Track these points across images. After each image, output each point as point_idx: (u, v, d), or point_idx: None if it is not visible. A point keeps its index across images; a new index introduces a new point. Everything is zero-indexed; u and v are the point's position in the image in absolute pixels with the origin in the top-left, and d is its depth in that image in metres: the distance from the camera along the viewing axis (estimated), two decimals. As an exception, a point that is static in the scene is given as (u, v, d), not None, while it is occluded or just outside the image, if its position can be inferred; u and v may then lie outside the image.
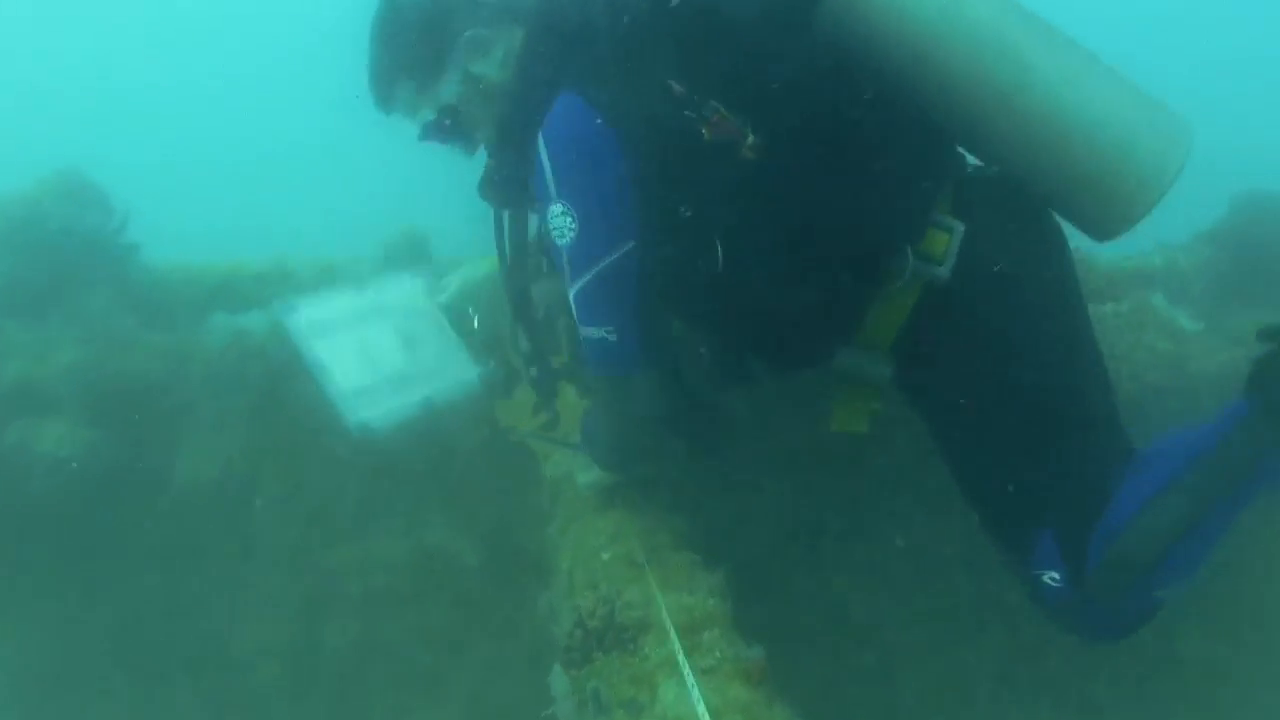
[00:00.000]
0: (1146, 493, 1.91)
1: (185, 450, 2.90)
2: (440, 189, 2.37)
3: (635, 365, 1.93)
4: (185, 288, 3.10)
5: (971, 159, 2.01)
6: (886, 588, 2.72)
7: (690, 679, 1.50)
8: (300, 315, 2.46)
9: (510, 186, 2.09)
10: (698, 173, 1.83)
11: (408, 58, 2.06)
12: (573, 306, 1.92)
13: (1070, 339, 2.01)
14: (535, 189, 1.90)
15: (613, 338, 1.89)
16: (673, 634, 1.62)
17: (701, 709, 1.43)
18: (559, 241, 1.87)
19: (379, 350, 2.40)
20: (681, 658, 1.54)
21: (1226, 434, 1.89)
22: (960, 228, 1.89)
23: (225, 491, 2.89)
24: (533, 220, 2.19)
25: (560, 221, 1.85)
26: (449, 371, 2.40)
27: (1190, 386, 2.57)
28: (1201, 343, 2.60)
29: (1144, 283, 2.76)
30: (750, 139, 1.81)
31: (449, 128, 2.05)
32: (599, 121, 1.82)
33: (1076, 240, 2.06)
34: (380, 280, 2.61)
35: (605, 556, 2.10)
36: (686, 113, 1.81)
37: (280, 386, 2.81)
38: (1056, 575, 1.96)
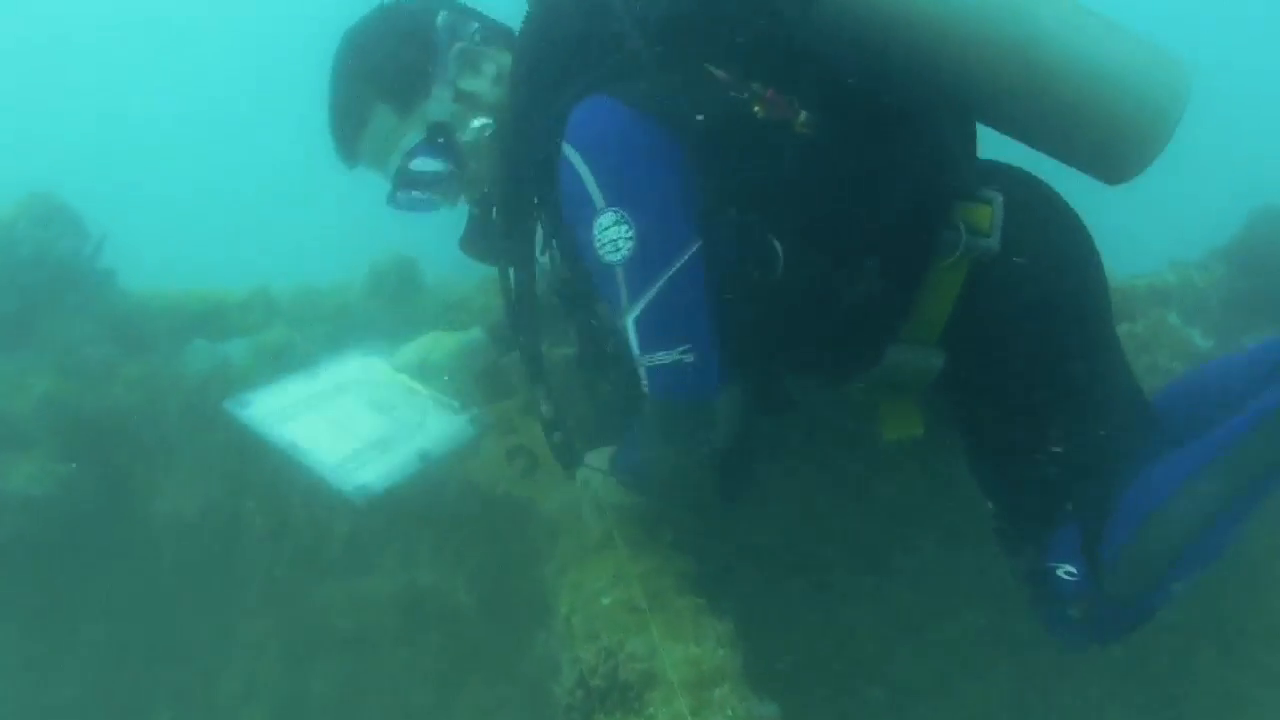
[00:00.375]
0: (1175, 479, 1.87)
1: (165, 486, 2.78)
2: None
3: (715, 388, 1.73)
4: (164, 316, 2.98)
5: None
6: (895, 620, 2.63)
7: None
8: (254, 408, 2.25)
9: (505, 233, 1.92)
10: (750, 159, 1.70)
11: (388, 75, 1.85)
12: (633, 335, 1.71)
13: (1104, 318, 1.99)
14: (568, 209, 1.74)
15: (689, 358, 1.68)
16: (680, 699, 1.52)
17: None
18: (611, 258, 1.66)
19: (352, 420, 2.21)
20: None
21: (1262, 419, 1.85)
22: (999, 198, 1.86)
23: (207, 528, 2.78)
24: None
25: (613, 233, 1.65)
26: (434, 423, 2.23)
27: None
28: (1218, 364, 2.52)
29: (1159, 301, 2.68)
30: (802, 115, 1.70)
31: (442, 147, 1.86)
32: (638, 115, 1.67)
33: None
34: (330, 362, 2.41)
35: (606, 601, 1.99)
36: (732, 94, 1.69)
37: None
38: (1073, 569, 1.90)
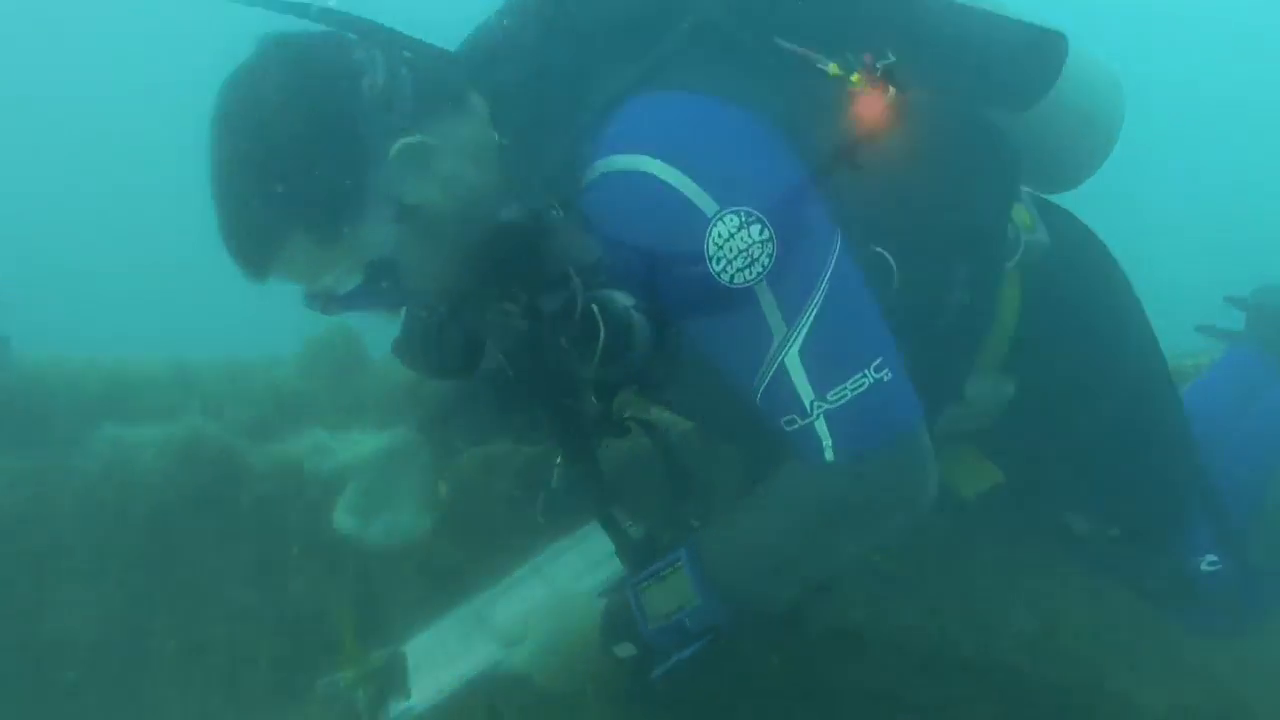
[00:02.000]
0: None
1: (55, 601, 2.34)
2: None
3: (918, 404, 1.37)
4: (62, 393, 2.55)
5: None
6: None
7: None
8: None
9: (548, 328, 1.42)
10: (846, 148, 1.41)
11: (303, 195, 1.31)
12: (801, 375, 1.32)
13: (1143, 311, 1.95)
14: (650, 241, 1.35)
15: (886, 375, 1.32)
16: None
17: None
18: (745, 277, 1.30)
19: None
20: None
21: None
22: (1025, 196, 1.79)
23: (106, 651, 2.35)
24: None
25: (741, 241, 1.29)
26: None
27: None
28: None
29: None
30: (891, 90, 1.38)
31: (385, 292, 1.40)
32: (710, 98, 1.39)
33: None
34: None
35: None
36: (818, 66, 1.39)
37: (173, 523, 2.29)
38: (1214, 558, 1.91)
